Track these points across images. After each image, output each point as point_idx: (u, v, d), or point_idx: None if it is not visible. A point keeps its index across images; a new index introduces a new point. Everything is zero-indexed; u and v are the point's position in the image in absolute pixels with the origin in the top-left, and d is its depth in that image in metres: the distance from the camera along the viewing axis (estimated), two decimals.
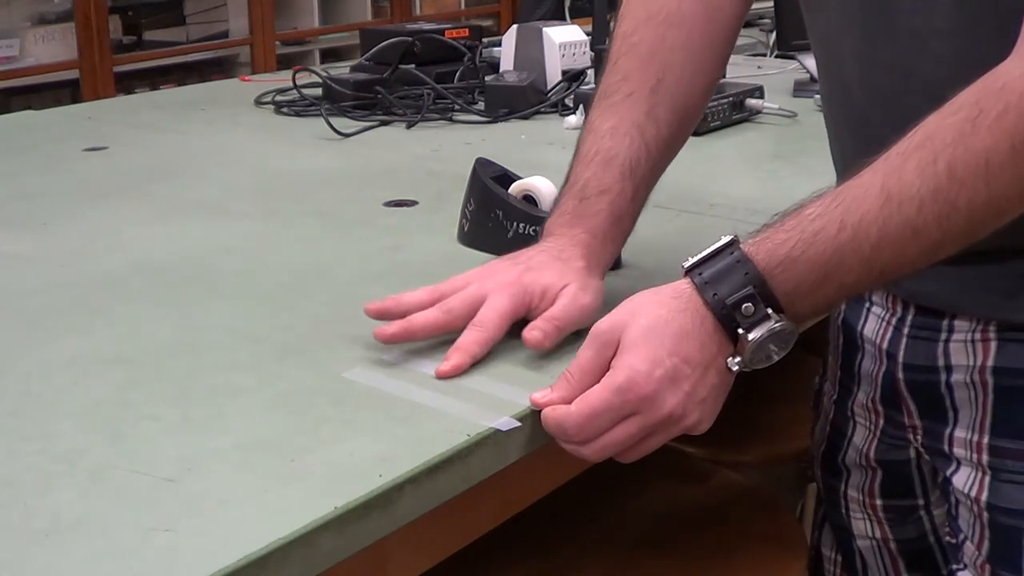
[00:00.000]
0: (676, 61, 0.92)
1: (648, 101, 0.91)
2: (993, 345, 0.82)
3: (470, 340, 0.80)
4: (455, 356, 0.79)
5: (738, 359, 0.75)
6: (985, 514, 0.83)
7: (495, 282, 0.84)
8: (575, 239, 0.87)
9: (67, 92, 3.64)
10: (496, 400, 0.76)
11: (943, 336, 0.84)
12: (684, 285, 0.75)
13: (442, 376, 0.78)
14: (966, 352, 0.83)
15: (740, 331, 0.73)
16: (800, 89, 1.87)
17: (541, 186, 1.05)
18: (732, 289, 0.73)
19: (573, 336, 0.85)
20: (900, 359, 0.88)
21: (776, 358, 0.76)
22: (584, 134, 0.93)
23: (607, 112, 0.92)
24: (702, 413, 0.75)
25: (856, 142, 0.86)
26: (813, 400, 1.06)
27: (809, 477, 1.09)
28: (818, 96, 1.75)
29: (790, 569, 1.03)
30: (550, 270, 0.85)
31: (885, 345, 0.89)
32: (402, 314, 0.82)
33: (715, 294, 0.73)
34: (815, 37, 0.89)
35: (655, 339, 0.73)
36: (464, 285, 0.84)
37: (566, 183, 0.91)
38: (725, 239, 0.76)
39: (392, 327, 0.81)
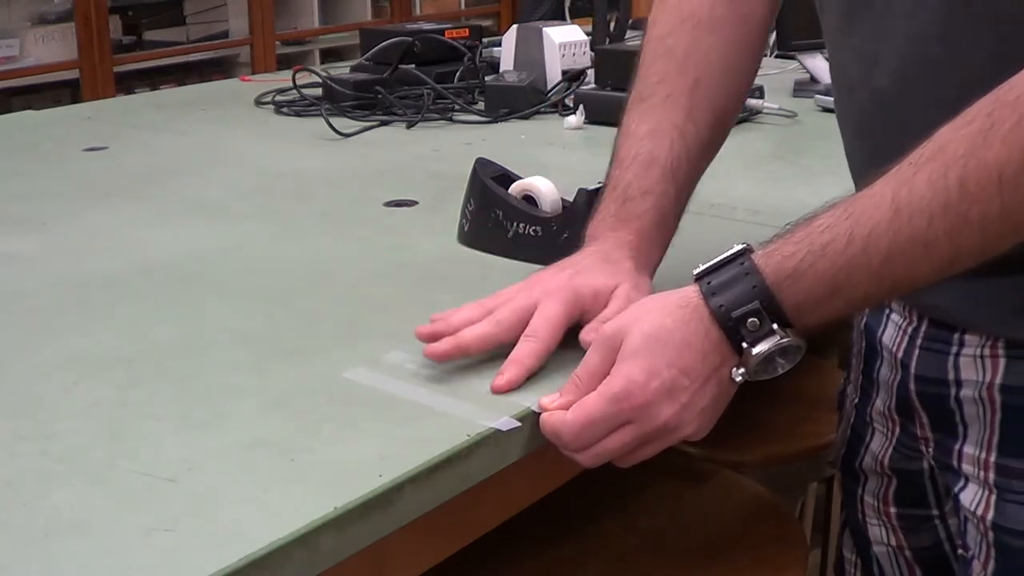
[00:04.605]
0: (712, 64, 0.91)
1: (687, 103, 0.90)
2: (1002, 362, 0.80)
3: (524, 352, 0.79)
4: (510, 369, 0.77)
5: (742, 370, 0.74)
6: (991, 534, 0.82)
7: (543, 289, 0.82)
8: (620, 241, 0.86)
9: (67, 92, 3.63)
10: (496, 400, 0.76)
11: (953, 349, 0.83)
12: (691, 293, 0.74)
13: (498, 391, 0.76)
14: (975, 367, 0.81)
15: (744, 344, 0.73)
16: (800, 89, 1.87)
17: (541, 186, 1.04)
18: (738, 302, 0.72)
19: (574, 339, 0.85)
20: (913, 370, 0.87)
21: (782, 371, 0.75)
22: (620, 138, 0.92)
23: (645, 115, 0.91)
24: (700, 423, 0.74)
25: (862, 145, 0.86)
26: (837, 401, 1.05)
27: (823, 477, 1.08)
28: (818, 96, 1.76)
29: (790, 569, 1.03)
30: (599, 272, 0.84)
31: (900, 354, 0.88)
32: (452, 332, 0.80)
33: (721, 305, 0.73)
34: (826, 39, 0.89)
35: (655, 348, 0.73)
36: (511, 296, 0.83)
37: (605, 187, 0.90)
38: (737, 247, 0.75)
39: (443, 343, 0.79)
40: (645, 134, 0.90)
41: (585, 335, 0.80)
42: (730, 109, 0.95)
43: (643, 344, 0.73)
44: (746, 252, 0.74)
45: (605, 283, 0.83)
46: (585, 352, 0.77)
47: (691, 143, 0.90)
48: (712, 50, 0.92)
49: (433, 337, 0.80)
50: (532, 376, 0.78)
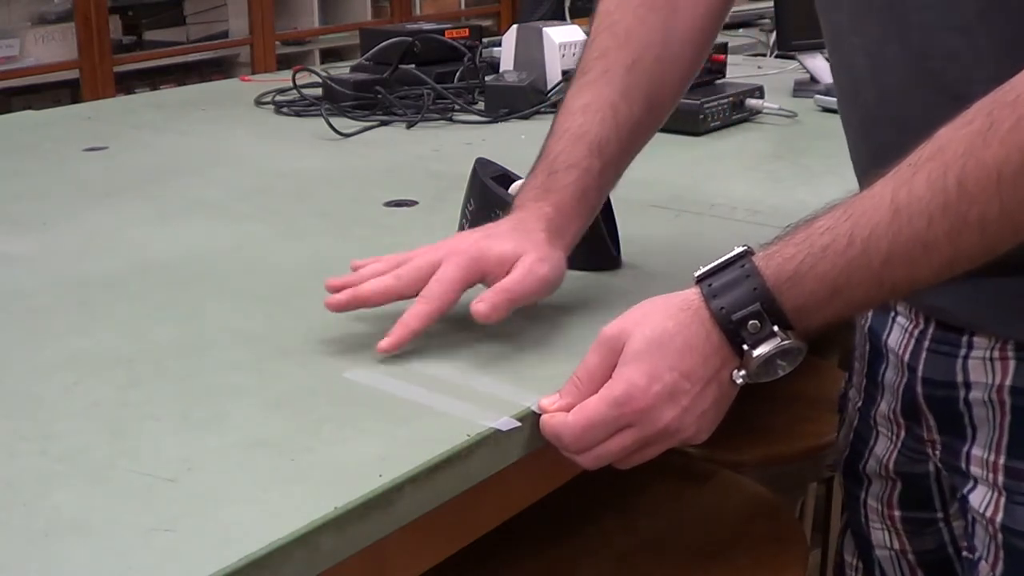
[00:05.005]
0: (653, 43, 0.93)
1: (623, 80, 0.92)
2: (1011, 364, 0.79)
3: (413, 314, 0.81)
4: (397, 331, 0.81)
5: (743, 372, 0.74)
6: (1000, 535, 0.82)
7: (449, 248, 0.85)
8: (539, 212, 0.88)
9: (67, 92, 3.63)
10: (496, 400, 0.76)
11: (962, 352, 0.82)
12: (693, 295, 0.74)
13: (383, 351, 0.80)
14: (984, 370, 0.81)
15: (745, 347, 0.73)
16: (800, 89, 1.87)
17: None
18: (739, 304, 0.72)
19: (579, 337, 0.85)
20: (920, 373, 0.87)
21: (782, 373, 0.75)
22: (560, 111, 0.94)
23: (582, 89, 0.93)
24: (700, 426, 0.75)
25: (868, 145, 0.86)
26: (839, 404, 1.05)
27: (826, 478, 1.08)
28: (818, 96, 1.76)
29: (790, 569, 1.03)
30: (508, 239, 0.85)
31: (907, 357, 0.88)
32: (358, 283, 0.84)
33: (722, 308, 0.72)
34: (827, 38, 0.89)
35: (657, 352, 0.73)
36: (422, 252, 0.85)
37: (539, 157, 0.92)
38: (738, 249, 0.75)
39: (342, 295, 0.83)
40: (579, 108, 0.92)
41: (474, 305, 0.81)
42: (667, 91, 0.95)
43: (645, 347, 0.73)
44: (747, 254, 0.74)
45: (512, 250, 0.84)
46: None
47: (622, 121, 0.91)
48: (656, 30, 0.93)
49: (339, 288, 0.84)
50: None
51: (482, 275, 0.83)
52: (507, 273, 0.83)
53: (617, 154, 0.92)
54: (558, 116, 0.93)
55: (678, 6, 0.93)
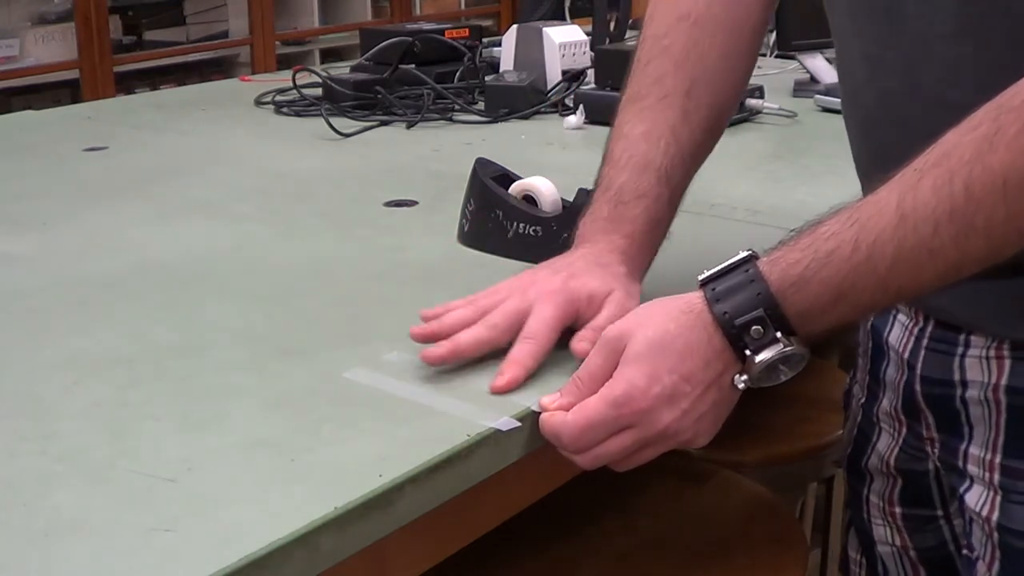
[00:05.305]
0: (709, 64, 0.91)
1: (682, 105, 0.90)
2: (1007, 363, 0.80)
3: (523, 353, 0.78)
4: (510, 370, 0.77)
5: (744, 378, 0.74)
6: (996, 535, 0.82)
7: (537, 291, 0.82)
8: (613, 244, 0.86)
9: (67, 92, 3.63)
10: (496, 400, 0.76)
11: (959, 351, 0.83)
12: (696, 299, 0.74)
13: (497, 391, 0.76)
14: (981, 368, 0.81)
15: (748, 352, 0.73)
16: (800, 89, 1.87)
17: (541, 186, 1.04)
18: (742, 309, 0.72)
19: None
20: (919, 370, 0.87)
21: (784, 378, 0.75)
22: (614, 138, 0.91)
23: (640, 115, 0.91)
24: (698, 430, 0.75)
25: (868, 145, 0.86)
26: (843, 400, 1.05)
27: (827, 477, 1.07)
28: (818, 96, 1.76)
29: (790, 569, 1.03)
30: (593, 276, 0.83)
31: (906, 355, 0.88)
32: (448, 334, 0.80)
33: (725, 312, 0.72)
34: (834, 38, 0.89)
35: (658, 354, 0.73)
36: (505, 297, 0.82)
37: (597, 188, 0.90)
38: (743, 254, 0.74)
39: (440, 348, 0.79)
40: (639, 136, 0.90)
41: (576, 344, 0.80)
42: (725, 111, 0.94)
43: (646, 349, 0.73)
44: (751, 259, 0.74)
45: (599, 287, 0.82)
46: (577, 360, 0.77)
47: (685, 146, 0.90)
48: (709, 51, 0.92)
49: (427, 339, 0.80)
50: (530, 377, 0.78)
51: (576, 315, 0.81)
52: (598, 310, 0.81)
53: (682, 180, 0.90)
54: (614, 144, 0.91)
55: (726, 26, 0.92)
